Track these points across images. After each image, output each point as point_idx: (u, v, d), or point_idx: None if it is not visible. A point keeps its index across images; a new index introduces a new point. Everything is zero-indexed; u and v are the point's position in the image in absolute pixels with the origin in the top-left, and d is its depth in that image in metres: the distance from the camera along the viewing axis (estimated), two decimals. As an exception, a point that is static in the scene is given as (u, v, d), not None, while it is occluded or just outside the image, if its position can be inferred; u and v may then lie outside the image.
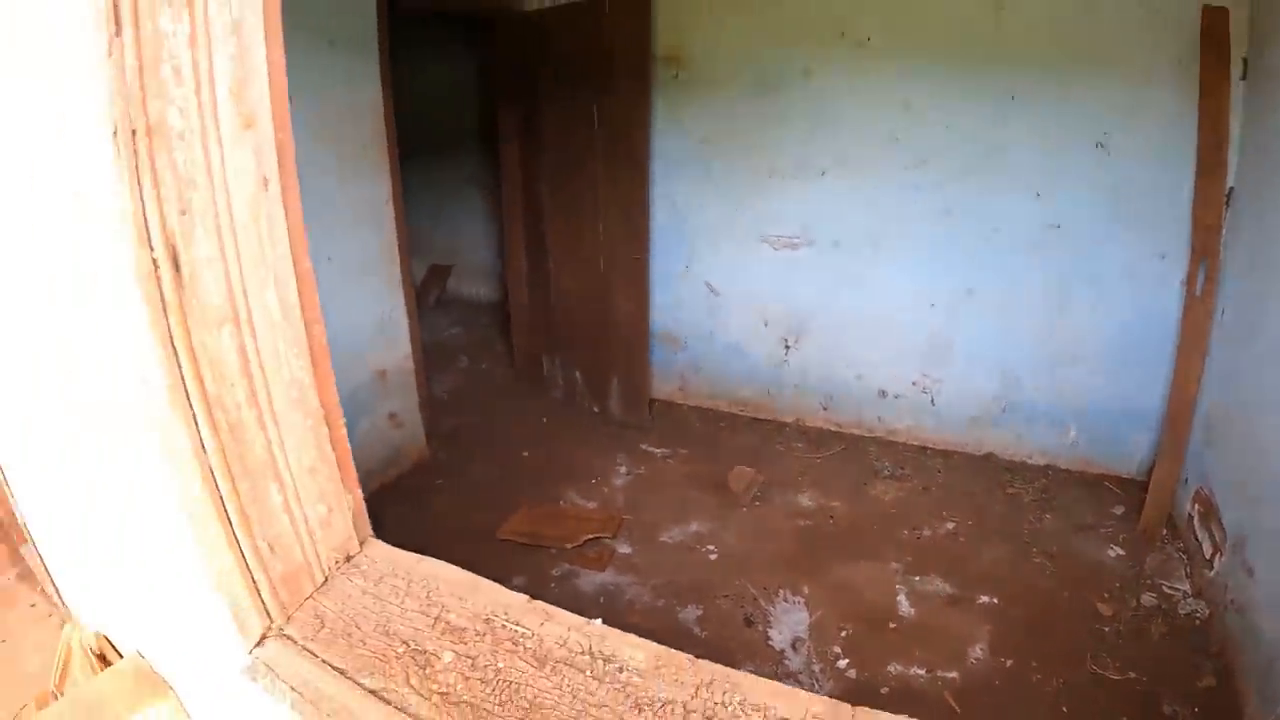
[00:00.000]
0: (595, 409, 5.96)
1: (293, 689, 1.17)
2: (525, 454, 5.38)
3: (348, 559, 1.39)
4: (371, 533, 1.46)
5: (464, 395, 6.43)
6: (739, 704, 1.07)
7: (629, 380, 5.65)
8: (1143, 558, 4.19)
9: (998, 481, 5.03)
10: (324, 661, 1.20)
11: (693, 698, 1.09)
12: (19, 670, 3.67)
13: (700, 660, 1.15)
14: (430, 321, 7.30)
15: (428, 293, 8.25)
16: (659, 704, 1.08)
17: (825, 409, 5.73)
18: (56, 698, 2.96)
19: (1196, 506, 4.08)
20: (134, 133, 0.95)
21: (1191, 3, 4.17)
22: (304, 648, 1.23)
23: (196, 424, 1.08)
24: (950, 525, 4.55)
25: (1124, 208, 4.55)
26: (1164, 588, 3.94)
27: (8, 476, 2.22)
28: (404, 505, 4.68)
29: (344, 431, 1.30)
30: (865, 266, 5.31)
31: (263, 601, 1.25)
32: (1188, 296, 4.28)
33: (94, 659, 2.79)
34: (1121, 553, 4.27)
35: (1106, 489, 4.89)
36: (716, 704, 1.07)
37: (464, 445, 5.50)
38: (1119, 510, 4.66)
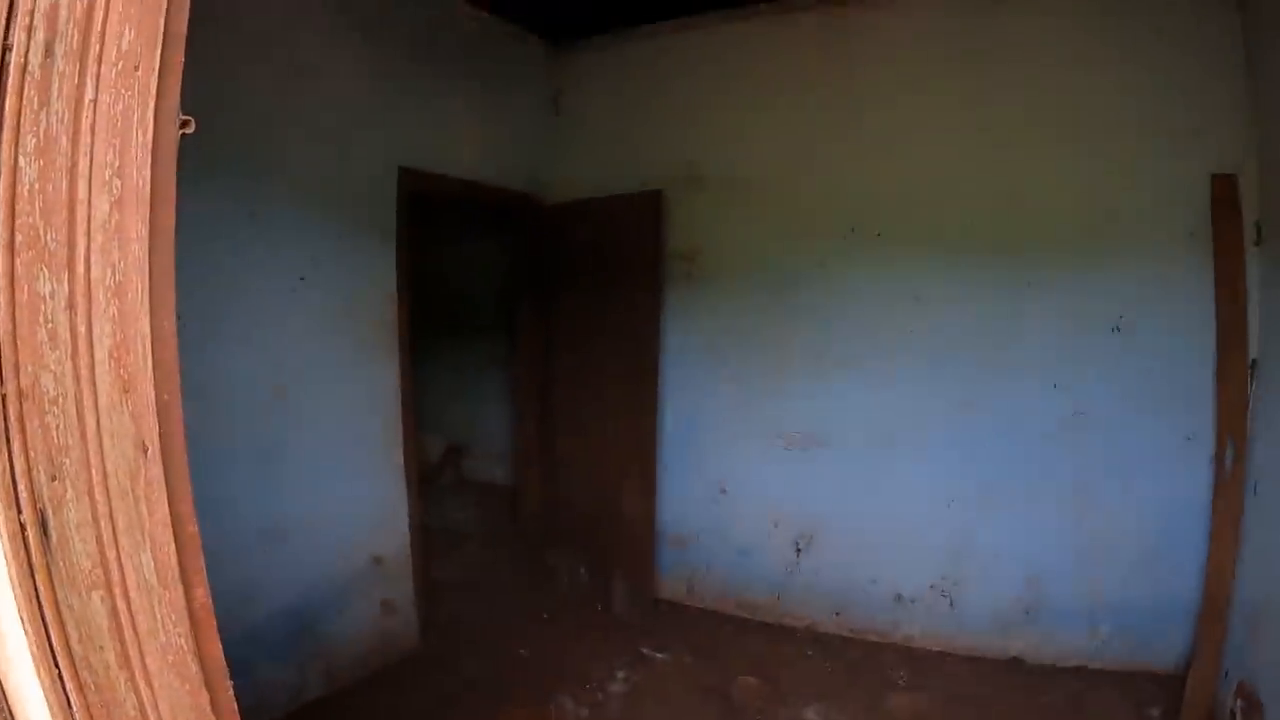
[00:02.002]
0: (599, 606, 5.79)
1: None
2: (522, 651, 5.19)
3: (229, 824, 1.30)
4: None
5: (465, 583, 6.26)
6: None
7: (634, 579, 5.54)
8: (1182, 759, 3.85)
9: (1024, 688, 4.70)
10: None
11: None
12: None
13: None
14: (441, 503, 7.23)
15: (441, 472, 8.21)
16: None
17: (838, 614, 5.49)
18: None
19: (1239, 701, 3.78)
20: (4, 397, 0.93)
21: (1199, 173, 4.26)
22: None
23: (61, 682, 1.03)
24: (971, 740, 4.23)
25: (1146, 391, 4.48)
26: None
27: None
28: (389, 698, 4.49)
29: (230, 693, 1.23)
30: (880, 465, 5.22)
31: None
32: (1217, 478, 4.16)
33: None
34: (1158, 757, 3.92)
35: (1142, 688, 4.53)
36: None
37: (459, 637, 5.33)
38: (1155, 712, 4.32)
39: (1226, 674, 4.03)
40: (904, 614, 5.31)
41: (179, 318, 3.29)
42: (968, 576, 5.11)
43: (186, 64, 1.10)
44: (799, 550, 5.54)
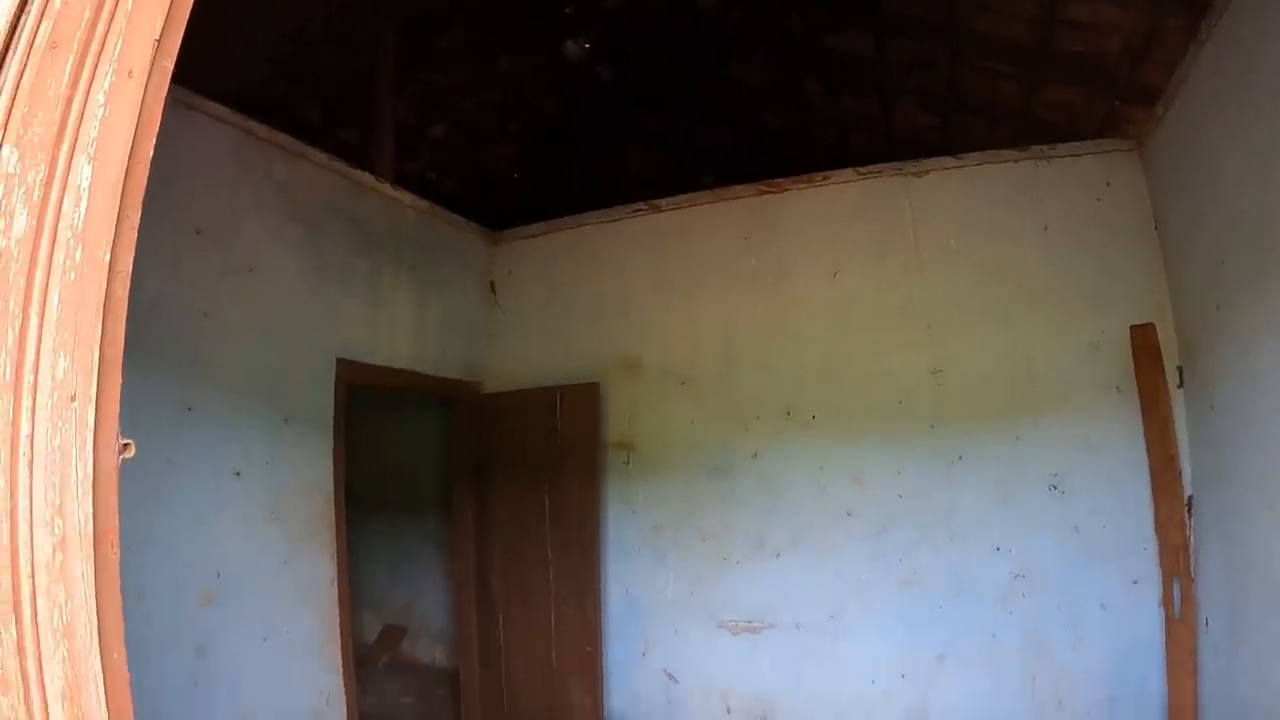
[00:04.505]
0: (546, 805, 5.49)
1: None
2: None
3: None
4: None
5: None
6: None
7: (584, 772, 5.28)
8: None
9: None
10: None
11: None
12: None
13: None
14: (380, 688, 6.92)
15: (379, 654, 7.88)
16: None
17: (801, 798, 5.26)
18: None
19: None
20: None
21: (1119, 327, 4.45)
22: None
23: None
24: None
25: (1087, 543, 4.51)
26: None
27: None
28: None
29: None
30: (830, 644, 5.12)
31: None
32: (1167, 620, 4.17)
33: None
34: None
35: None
36: None
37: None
38: None
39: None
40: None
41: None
42: (927, 748, 4.95)
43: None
44: (754, 736, 5.34)
